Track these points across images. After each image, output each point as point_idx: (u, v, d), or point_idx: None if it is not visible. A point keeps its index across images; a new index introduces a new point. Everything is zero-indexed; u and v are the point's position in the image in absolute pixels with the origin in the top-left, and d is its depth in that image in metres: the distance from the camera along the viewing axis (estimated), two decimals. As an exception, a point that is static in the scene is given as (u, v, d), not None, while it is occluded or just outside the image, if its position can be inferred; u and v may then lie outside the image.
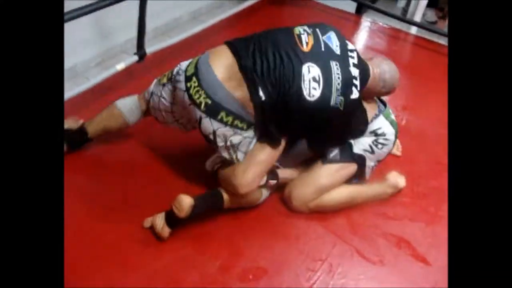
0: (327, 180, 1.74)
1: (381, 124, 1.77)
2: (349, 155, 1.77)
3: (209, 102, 1.47)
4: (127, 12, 2.21)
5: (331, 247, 1.70)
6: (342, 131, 1.72)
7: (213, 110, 1.47)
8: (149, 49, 2.44)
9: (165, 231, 1.55)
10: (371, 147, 1.76)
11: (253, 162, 1.55)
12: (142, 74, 2.46)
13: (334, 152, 1.77)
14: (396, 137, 1.83)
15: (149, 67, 2.51)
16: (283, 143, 1.58)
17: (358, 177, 1.84)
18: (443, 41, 3.41)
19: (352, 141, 1.78)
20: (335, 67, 1.50)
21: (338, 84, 1.49)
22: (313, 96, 1.46)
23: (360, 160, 1.78)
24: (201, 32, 2.77)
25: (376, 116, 1.77)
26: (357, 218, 1.83)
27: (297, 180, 1.76)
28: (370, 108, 1.75)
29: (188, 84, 1.51)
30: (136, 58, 2.34)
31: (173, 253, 1.58)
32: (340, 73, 1.50)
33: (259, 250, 1.65)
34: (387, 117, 1.79)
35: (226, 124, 1.49)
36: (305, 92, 1.46)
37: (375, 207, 1.88)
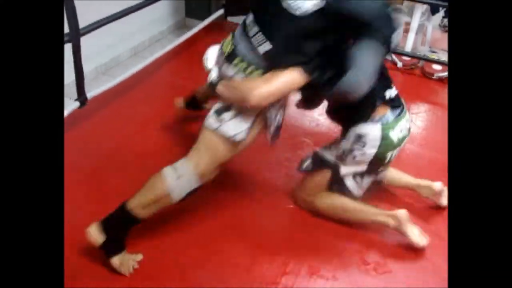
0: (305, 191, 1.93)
1: (370, 131, 1.71)
2: (320, 163, 1.86)
3: (231, 49, 1.55)
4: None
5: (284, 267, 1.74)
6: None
7: (231, 56, 1.54)
8: (91, 91, 2.40)
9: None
10: (344, 152, 1.77)
11: (273, 81, 1.46)
12: (84, 120, 2.42)
13: (307, 162, 1.89)
14: (381, 151, 1.74)
15: (92, 111, 2.47)
16: (300, 74, 1.47)
17: (339, 187, 1.85)
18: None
19: (326, 147, 1.86)
20: None
21: None
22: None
23: (331, 166, 1.82)
24: (143, 69, 2.75)
25: (372, 120, 1.71)
26: (306, 236, 1.89)
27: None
28: None
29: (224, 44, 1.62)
30: (77, 104, 2.28)
31: None
32: None
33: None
34: (384, 129, 1.71)
35: (239, 70, 1.52)
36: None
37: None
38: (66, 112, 2.18)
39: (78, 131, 2.35)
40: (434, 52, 3.50)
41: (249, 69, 1.51)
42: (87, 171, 2.13)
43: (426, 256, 1.82)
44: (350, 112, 1.74)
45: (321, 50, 1.46)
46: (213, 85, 1.61)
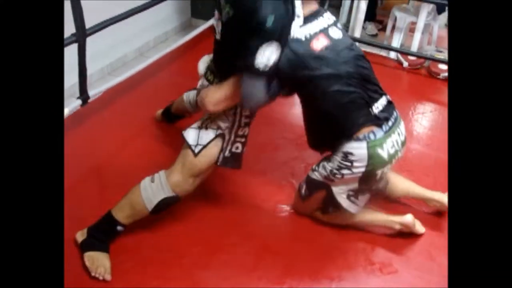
0: (303, 207, 1.93)
1: (355, 151, 1.64)
2: (314, 187, 1.81)
3: (208, 64, 1.75)
4: (69, 56, 2.17)
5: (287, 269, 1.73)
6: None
7: (207, 70, 1.74)
8: (95, 90, 2.42)
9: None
10: (331, 172, 1.71)
11: (224, 88, 1.55)
12: (88, 118, 2.44)
13: (304, 189, 1.85)
14: (370, 169, 1.66)
15: (94, 109, 2.48)
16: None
17: (333, 206, 1.81)
18: (384, 53, 3.56)
19: (313, 169, 1.80)
20: None
21: None
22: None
23: (324, 186, 1.78)
24: (147, 68, 2.76)
25: (357, 139, 1.63)
26: (311, 236, 1.89)
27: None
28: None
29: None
30: (79, 102, 2.30)
31: None
32: None
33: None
34: (371, 147, 1.63)
35: (210, 82, 1.70)
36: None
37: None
38: (68, 111, 2.19)
39: (81, 129, 2.37)
40: (440, 51, 3.48)
41: (215, 81, 1.67)
42: (91, 169, 2.14)
43: (431, 256, 1.82)
44: (330, 131, 1.69)
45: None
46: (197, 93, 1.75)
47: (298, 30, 1.54)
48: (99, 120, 2.48)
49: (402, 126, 1.75)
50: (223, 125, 1.63)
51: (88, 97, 2.33)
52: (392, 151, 1.67)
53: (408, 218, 1.84)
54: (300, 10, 1.54)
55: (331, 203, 1.81)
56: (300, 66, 1.55)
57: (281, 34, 1.42)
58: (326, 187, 1.77)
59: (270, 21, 1.35)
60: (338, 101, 1.59)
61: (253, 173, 2.16)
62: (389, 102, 1.72)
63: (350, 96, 1.59)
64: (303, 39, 1.55)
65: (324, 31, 1.59)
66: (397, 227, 1.86)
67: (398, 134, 1.70)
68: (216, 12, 1.56)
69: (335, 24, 1.65)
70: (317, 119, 1.73)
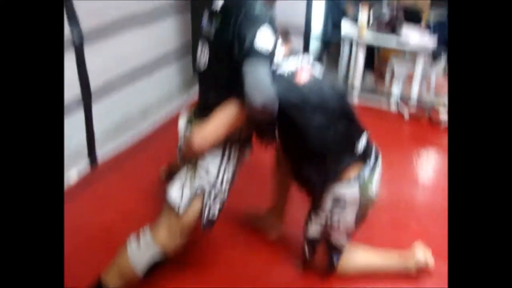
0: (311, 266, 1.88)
1: (347, 194, 1.63)
2: (315, 246, 1.80)
3: (193, 112, 1.73)
4: (73, 117, 2.20)
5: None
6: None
7: (191, 118, 1.71)
8: (102, 151, 2.43)
9: None
10: (326, 221, 1.69)
11: (210, 121, 1.53)
12: (96, 181, 2.43)
13: (308, 253, 1.83)
14: (364, 212, 1.68)
15: (103, 172, 2.48)
16: (231, 105, 1.50)
17: (336, 252, 1.78)
18: (385, 105, 3.60)
19: (308, 225, 1.77)
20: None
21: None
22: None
23: (324, 240, 1.76)
24: (152, 130, 2.79)
25: (348, 182, 1.62)
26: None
27: None
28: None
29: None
30: (88, 164, 2.31)
31: None
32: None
33: None
34: (363, 188, 1.62)
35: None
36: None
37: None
38: (76, 172, 2.20)
39: (85, 193, 2.34)
40: (439, 99, 3.51)
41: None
42: (95, 235, 2.10)
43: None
44: (318, 169, 1.65)
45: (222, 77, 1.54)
46: (179, 150, 1.71)
47: (280, 66, 1.59)
48: (103, 183, 2.46)
49: (380, 159, 1.74)
50: (205, 180, 1.59)
51: (96, 159, 2.34)
52: (377, 185, 1.68)
53: (420, 254, 1.83)
54: (280, 47, 1.55)
55: (334, 251, 1.78)
56: (287, 99, 1.53)
57: (271, 19, 1.45)
58: (326, 239, 1.75)
59: (259, 7, 1.45)
60: (323, 137, 1.59)
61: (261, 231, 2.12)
62: (368, 139, 1.70)
63: (335, 131, 1.59)
64: (286, 75, 1.59)
65: (305, 67, 1.63)
66: (414, 271, 1.84)
67: (379, 168, 1.71)
68: (200, 46, 1.59)
69: (314, 64, 1.68)
70: (303, 160, 1.69)
